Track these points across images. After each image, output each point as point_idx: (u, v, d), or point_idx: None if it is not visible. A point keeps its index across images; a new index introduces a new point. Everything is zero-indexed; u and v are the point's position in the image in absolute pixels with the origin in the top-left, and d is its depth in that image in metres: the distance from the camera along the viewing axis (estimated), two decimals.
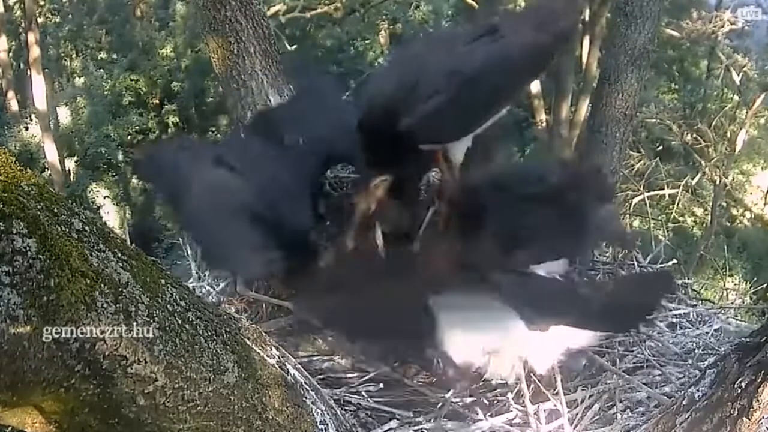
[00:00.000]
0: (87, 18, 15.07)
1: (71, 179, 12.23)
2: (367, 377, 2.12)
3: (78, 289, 1.00)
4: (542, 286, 1.86)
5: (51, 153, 10.64)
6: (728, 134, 10.84)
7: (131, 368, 1.10)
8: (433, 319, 1.88)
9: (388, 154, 1.99)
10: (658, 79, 12.61)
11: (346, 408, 2.00)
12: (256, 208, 2.01)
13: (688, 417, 1.60)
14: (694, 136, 10.79)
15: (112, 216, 11.84)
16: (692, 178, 10.51)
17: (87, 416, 1.13)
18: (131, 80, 13.48)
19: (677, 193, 9.70)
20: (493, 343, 1.95)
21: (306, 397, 1.65)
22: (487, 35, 1.93)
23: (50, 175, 10.53)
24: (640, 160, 9.80)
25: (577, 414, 2.00)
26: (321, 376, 2.13)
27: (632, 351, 2.30)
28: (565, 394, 1.98)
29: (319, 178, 2.32)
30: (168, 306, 1.21)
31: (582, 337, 1.95)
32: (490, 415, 1.99)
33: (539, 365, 1.96)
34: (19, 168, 1.04)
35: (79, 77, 14.24)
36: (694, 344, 2.41)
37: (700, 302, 2.78)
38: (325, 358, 2.26)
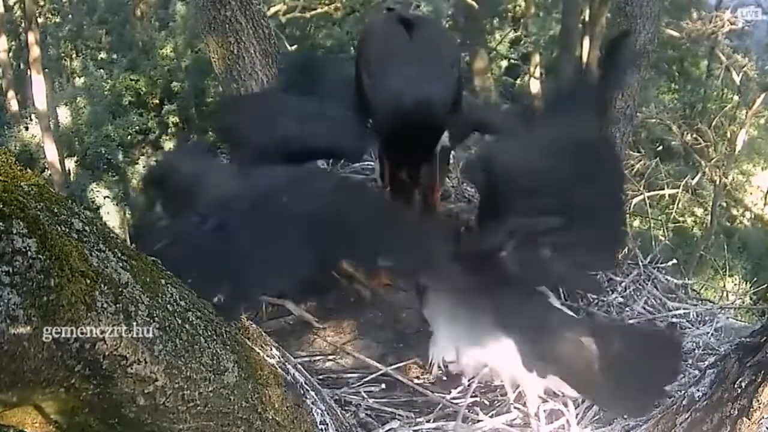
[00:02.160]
0: (87, 18, 15.04)
1: (71, 179, 12.22)
2: (367, 377, 2.12)
3: (78, 289, 1.00)
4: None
5: (51, 153, 10.62)
6: (728, 134, 10.81)
7: (131, 368, 1.10)
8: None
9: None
10: (658, 79, 12.59)
11: (346, 408, 2.00)
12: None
13: (688, 417, 1.60)
14: (694, 136, 10.77)
15: (112, 216, 11.82)
16: (692, 178, 10.49)
17: (87, 416, 1.13)
18: (131, 80, 13.45)
19: (677, 193, 9.69)
20: (483, 357, 1.96)
21: (306, 397, 1.65)
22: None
23: (50, 175, 10.52)
24: (640, 160, 9.79)
25: (577, 414, 2.00)
26: (321, 376, 2.13)
27: None
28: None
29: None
30: (168, 306, 1.21)
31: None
32: (491, 416, 1.99)
33: (529, 393, 1.96)
34: (19, 168, 1.04)
35: (79, 77, 14.21)
36: (694, 344, 2.41)
37: (700, 302, 2.79)
38: (326, 358, 2.26)
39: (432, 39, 2.41)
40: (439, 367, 2.11)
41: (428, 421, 1.97)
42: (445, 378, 2.15)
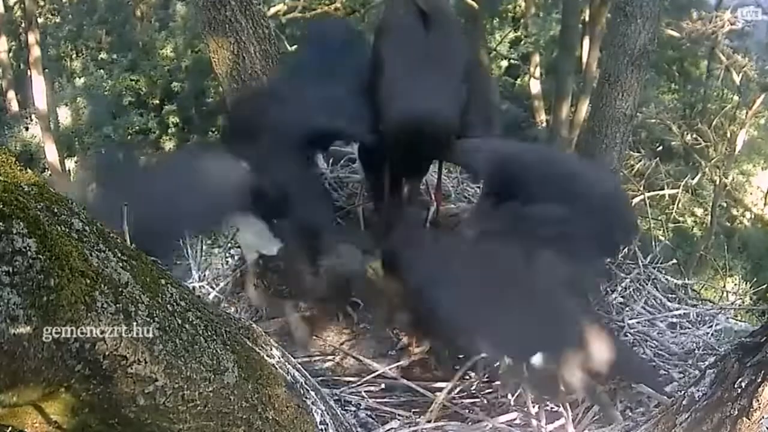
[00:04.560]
0: (87, 18, 15.05)
1: (71, 179, 12.22)
2: (367, 377, 2.12)
3: (78, 289, 1.00)
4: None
5: (51, 153, 10.63)
6: (728, 134, 10.81)
7: (131, 368, 1.10)
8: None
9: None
10: (658, 79, 12.59)
11: (346, 408, 2.00)
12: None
13: (688, 417, 1.60)
14: (694, 136, 10.78)
15: None
16: (692, 178, 10.49)
17: (87, 416, 1.13)
18: (131, 80, 13.46)
19: (677, 193, 9.69)
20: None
21: (306, 397, 1.65)
22: None
23: (50, 175, 10.52)
24: (640, 160, 9.79)
25: (577, 414, 2.00)
26: (321, 376, 2.13)
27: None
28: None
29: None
30: (168, 306, 1.21)
31: None
32: (491, 416, 1.99)
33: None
34: (19, 168, 1.04)
35: (79, 77, 14.21)
36: (695, 344, 2.41)
37: (700, 302, 2.79)
38: (325, 358, 2.26)
39: (447, 39, 2.37)
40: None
41: (428, 421, 1.97)
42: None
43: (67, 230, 1.05)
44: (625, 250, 2.80)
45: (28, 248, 0.94)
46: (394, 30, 2.41)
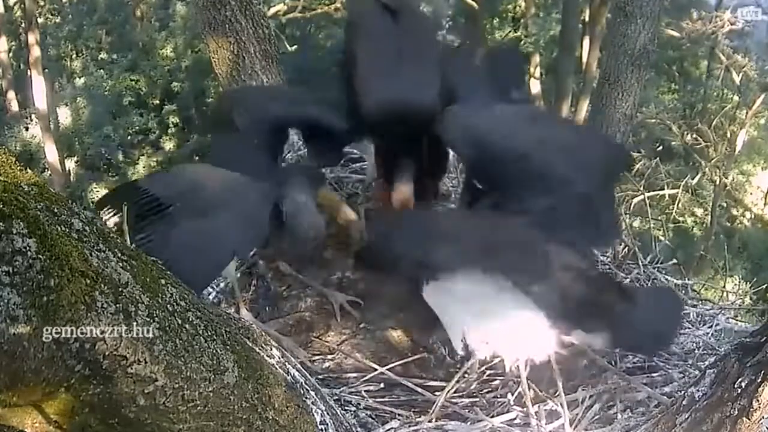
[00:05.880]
0: (87, 18, 15.05)
1: (71, 179, 12.23)
2: (367, 377, 2.12)
3: (78, 289, 1.00)
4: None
5: (51, 153, 10.64)
6: (728, 134, 10.81)
7: (131, 368, 1.10)
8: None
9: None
10: (658, 79, 12.60)
11: (346, 408, 2.00)
12: None
13: (688, 417, 1.60)
14: (694, 136, 10.78)
15: None
16: (692, 178, 10.49)
17: (87, 416, 1.13)
18: (131, 80, 13.47)
19: (677, 193, 9.69)
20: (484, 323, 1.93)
21: (306, 397, 1.65)
22: None
23: (50, 175, 10.53)
24: (640, 160, 9.79)
25: (577, 414, 2.00)
26: (321, 376, 2.13)
27: None
28: (565, 394, 1.98)
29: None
30: (168, 306, 1.21)
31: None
32: (491, 416, 1.99)
33: (535, 354, 1.95)
34: (19, 168, 1.04)
35: (79, 77, 14.22)
36: (694, 344, 2.41)
37: (700, 302, 2.78)
38: (325, 357, 2.26)
39: (416, 30, 2.43)
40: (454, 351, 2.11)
41: (429, 421, 1.97)
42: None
43: (67, 230, 1.05)
44: (625, 250, 2.80)
45: (28, 248, 0.94)
46: (364, 26, 2.47)
